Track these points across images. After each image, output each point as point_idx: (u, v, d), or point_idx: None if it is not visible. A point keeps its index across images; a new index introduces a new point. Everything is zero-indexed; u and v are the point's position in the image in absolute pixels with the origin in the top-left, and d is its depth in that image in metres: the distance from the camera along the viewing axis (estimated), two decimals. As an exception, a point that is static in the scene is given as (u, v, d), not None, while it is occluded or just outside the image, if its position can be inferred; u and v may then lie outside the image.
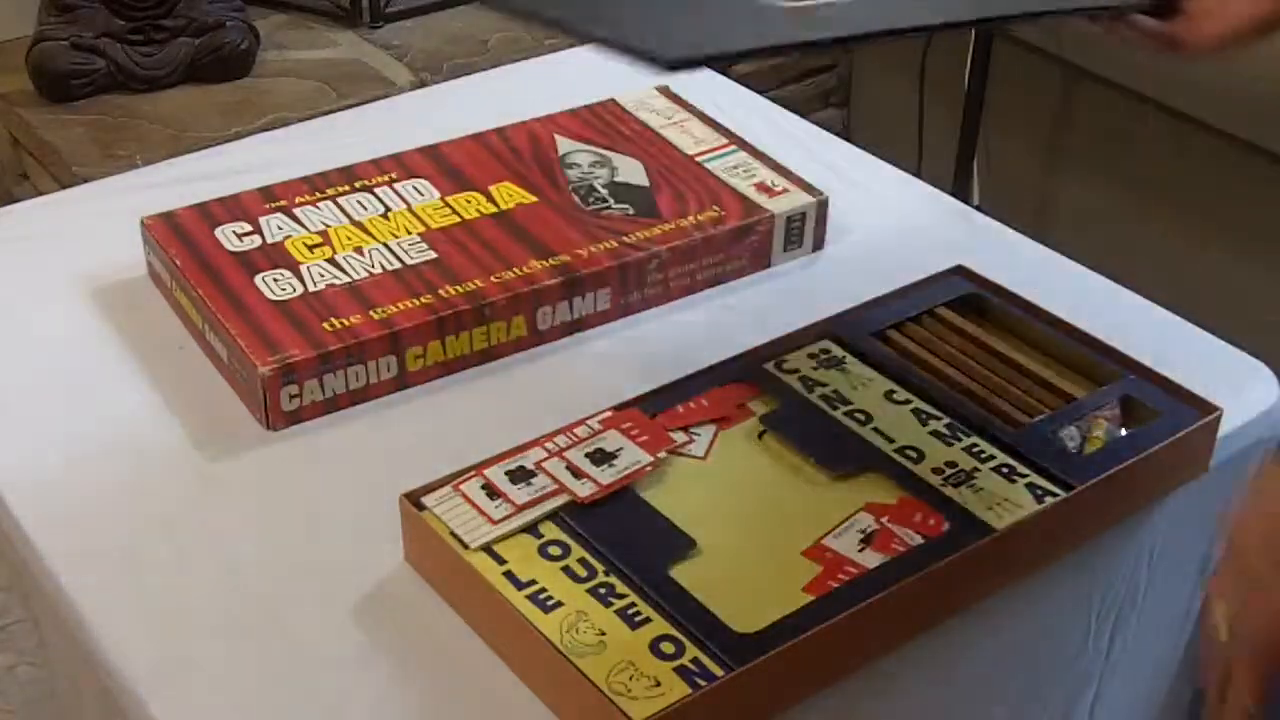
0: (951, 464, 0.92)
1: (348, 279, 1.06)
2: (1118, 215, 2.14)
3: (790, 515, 0.89)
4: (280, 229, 1.11)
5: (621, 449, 0.91)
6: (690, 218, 1.14)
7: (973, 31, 2.14)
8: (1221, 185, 1.97)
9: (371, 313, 1.02)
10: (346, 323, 1.01)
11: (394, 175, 1.18)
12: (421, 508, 0.87)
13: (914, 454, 0.93)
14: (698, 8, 0.90)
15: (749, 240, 1.15)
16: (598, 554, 0.84)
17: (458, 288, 1.04)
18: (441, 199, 1.15)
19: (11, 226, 1.23)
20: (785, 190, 1.18)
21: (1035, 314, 1.05)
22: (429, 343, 1.02)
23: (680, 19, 0.87)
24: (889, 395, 0.98)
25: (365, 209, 1.14)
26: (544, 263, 1.08)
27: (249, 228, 1.11)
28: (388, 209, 1.14)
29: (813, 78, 2.50)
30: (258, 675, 0.82)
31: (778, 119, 1.39)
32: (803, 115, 1.42)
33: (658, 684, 0.76)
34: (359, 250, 1.09)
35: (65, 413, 1.00)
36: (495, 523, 0.86)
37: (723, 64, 0.83)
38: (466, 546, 0.84)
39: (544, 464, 0.90)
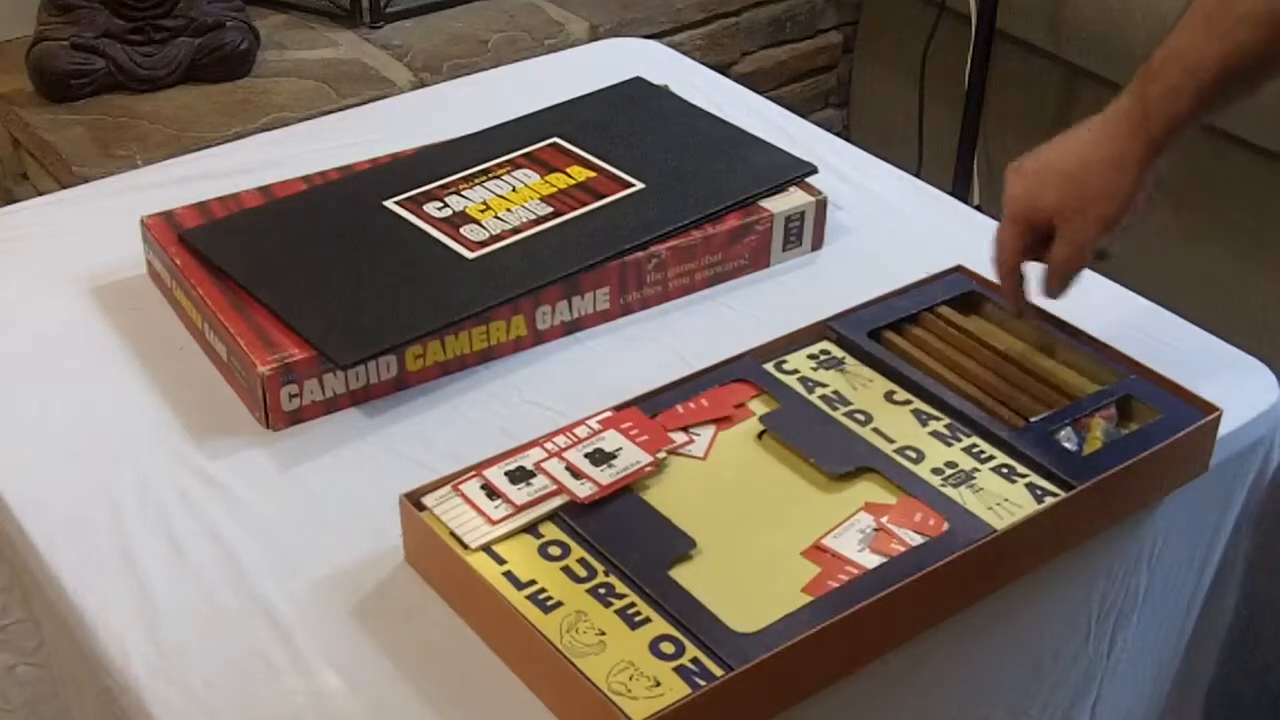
0: (951, 464, 0.92)
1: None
2: (1118, 215, 2.14)
3: (790, 515, 0.89)
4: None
5: (621, 449, 0.91)
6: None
7: (973, 31, 2.15)
8: (1222, 185, 1.97)
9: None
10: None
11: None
12: (421, 508, 0.87)
13: (914, 454, 0.93)
14: (376, 303, 1.03)
15: (748, 240, 1.15)
16: (597, 554, 0.84)
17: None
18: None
19: (11, 226, 1.23)
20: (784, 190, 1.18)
21: (1035, 314, 1.05)
22: (429, 341, 1.02)
23: (359, 317, 1.01)
24: (889, 395, 0.98)
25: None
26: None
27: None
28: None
29: (813, 78, 2.50)
30: (258, 675, 0.81)
31: (778, 119, 1.39)
32: (803, 115, 1.42)
33: (658, 684, 0.76)
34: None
35: (65, 412, 1.00)
36: (495, 523, 0.86)
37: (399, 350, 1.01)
38: (466, 547, 0.84)
39: (543, 464, 0.90)
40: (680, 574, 0.83)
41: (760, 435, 0.95)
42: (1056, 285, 0.99)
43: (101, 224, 1.20)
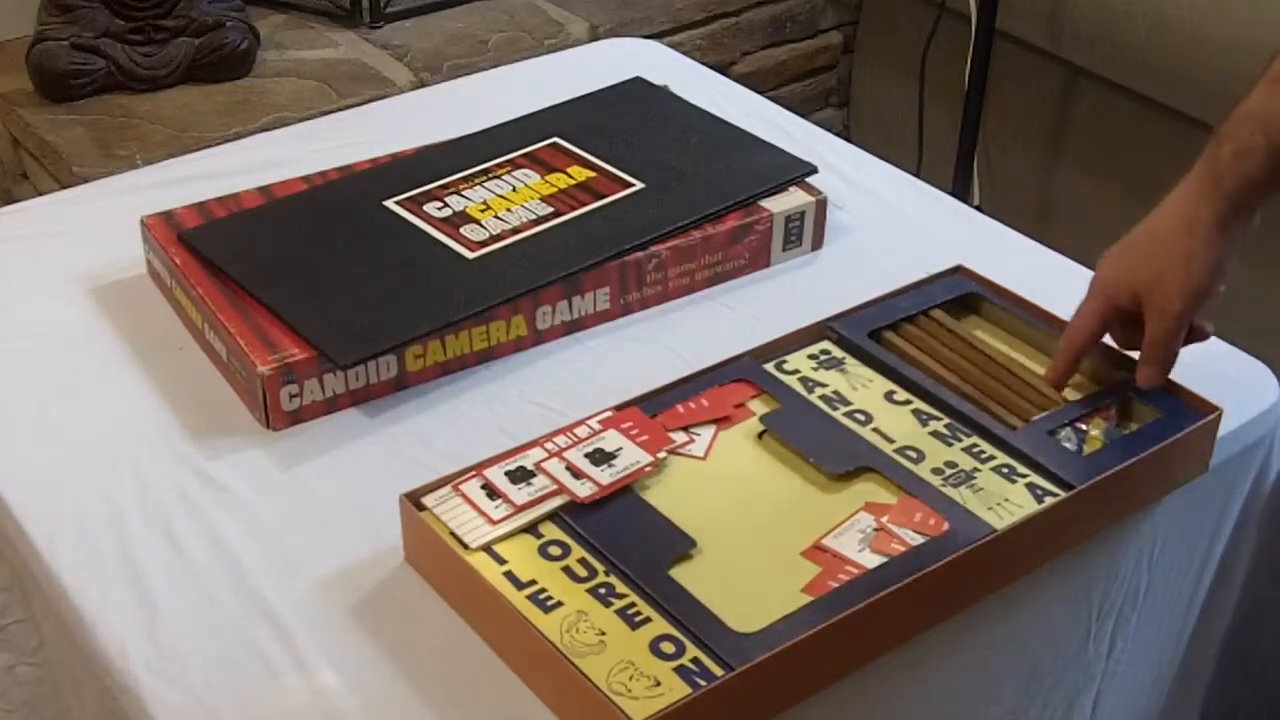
0: (951, 464, 0.92)
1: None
2: (1118, 215, 2.14)
3: (790, 515, 0.89)
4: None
5: (621, 449, 0.91)
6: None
7: (973, 31, 2.15)
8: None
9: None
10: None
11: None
12: (421, 508, 0.87)
13: (914, 454, 0.93)
14: (376, 303, 1.03)
15: (748, 240, 1.15)
16: (598, 554, 0.84)
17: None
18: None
19: (11, 226, 1.23)
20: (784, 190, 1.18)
21: (1035, 314, 1.05)
22: (429, 341, 1.02)
23: (359, 317, 1.01)
24: (889, 396, 0.98)
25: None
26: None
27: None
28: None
29: (813, 78, 2.50)
30: (258, 675, 0.81)
31: (778, 119, 1.39)
32: (803, 115, 1.42)
33: (658, 684, 0.76)
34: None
35: (65, 412, 1.00)
36: (495, 523, 0.86)
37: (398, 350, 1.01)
38: (466, 547, 0.84)
39: (544, 464, 0.90)
40: (680, 574, 0.83)
41: (760, 435, 0.95)
42: (1151, 367, 0.95)
43: (101, 224, 1.20)
